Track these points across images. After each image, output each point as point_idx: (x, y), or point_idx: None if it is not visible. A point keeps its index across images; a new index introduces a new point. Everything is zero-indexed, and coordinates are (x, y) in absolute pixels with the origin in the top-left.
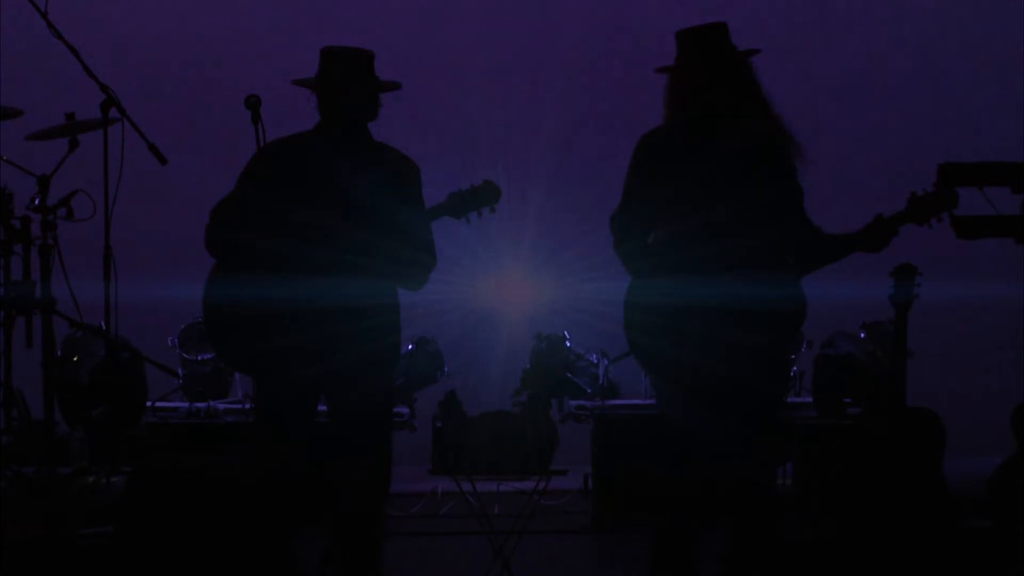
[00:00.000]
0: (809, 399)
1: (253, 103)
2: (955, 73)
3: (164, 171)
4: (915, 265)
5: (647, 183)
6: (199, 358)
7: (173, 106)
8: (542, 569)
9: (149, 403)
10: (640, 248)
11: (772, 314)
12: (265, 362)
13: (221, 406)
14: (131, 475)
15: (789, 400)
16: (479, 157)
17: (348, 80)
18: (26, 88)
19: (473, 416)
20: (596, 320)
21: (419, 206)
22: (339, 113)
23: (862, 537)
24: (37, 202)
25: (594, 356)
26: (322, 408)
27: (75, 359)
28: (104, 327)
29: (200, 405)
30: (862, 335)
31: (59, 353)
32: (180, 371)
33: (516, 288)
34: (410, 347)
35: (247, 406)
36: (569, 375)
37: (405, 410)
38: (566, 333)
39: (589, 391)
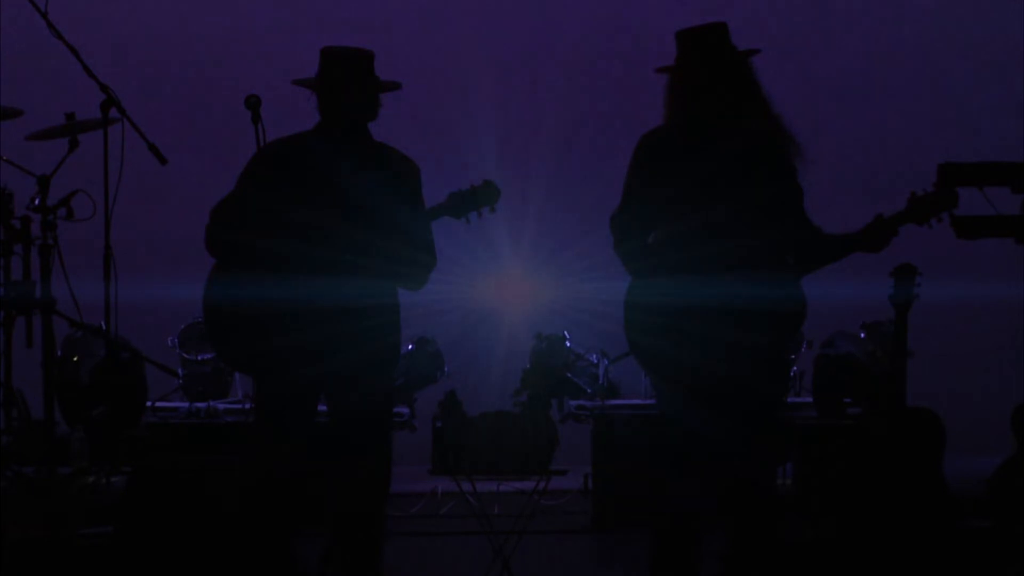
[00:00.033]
0: (809, 399)
1: (253, 103)
2: (955, 73)
3: (164, 171)
4: (915, 265)
5: (647, 183)
6: (199, 358)
7: (173, 106)
8: (542, 569)
9: (149, 403)
10: (640, 248)
11: (772, 314)
12: (265, 362)
13: (221, 406)
14: (131, 475)
15: (789, 400)
16: (479, 157)
17: (348, 80)
18: (26, 88)
19: (473, 416)
20: (596, 320)
21: (419, 206)
22: (339, 113)
23: (862, 537)
24: (37, 202)
25: (594, 356)
26: (322, 408)
27: (75, 359)
28: (104, 327)
29: (200, 405)
30: (862, 335)
31: (59, 353)
32: (180, 371)
33: (516, 288)
34: (410, 347)
35: (247, 406)
36: (569, 375)
37: (405, 410)
38: (566, 333)
39: (589, 391)
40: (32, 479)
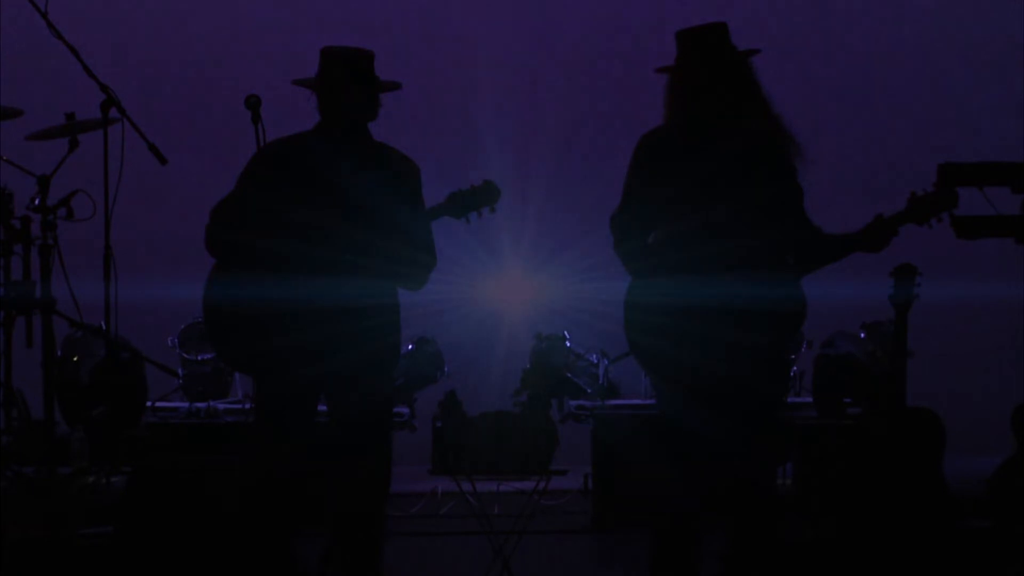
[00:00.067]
0: (809, 399)
1: (253, 103)
2: (955, 73)
3: (164, 171)
4: (915, 265)
5: (647, 183)
6: (199, 358)
7: (173, 106)
8: (542, 569)
9: (149, 403)
10: (640, 248)
11: (772, 314)
12: (265, 362)
13: (221, 406)
14: (131, 475)
15: (789, 400)
16: (479, 157)
17: (348, 80)
18: (26, 88)
19: (473, 416)
20: (596, 320)
21: (419, 206)
22: (339, 113)
23: (862, 537)
24: (37, 202)
25: (594, 356)
26: (322, 408)
27: (75, 359)
28: (104, 327)
29: (200, 405)
30: (862, 335)
31: (59, 353)
32: (180, 371)
33: (516, 288)
34: (410, 347)
35: (247, 406)
36: (569, 375)
37: (405, 410)
38: (566, 333)
39: (589, 391)
40: (32, 479)
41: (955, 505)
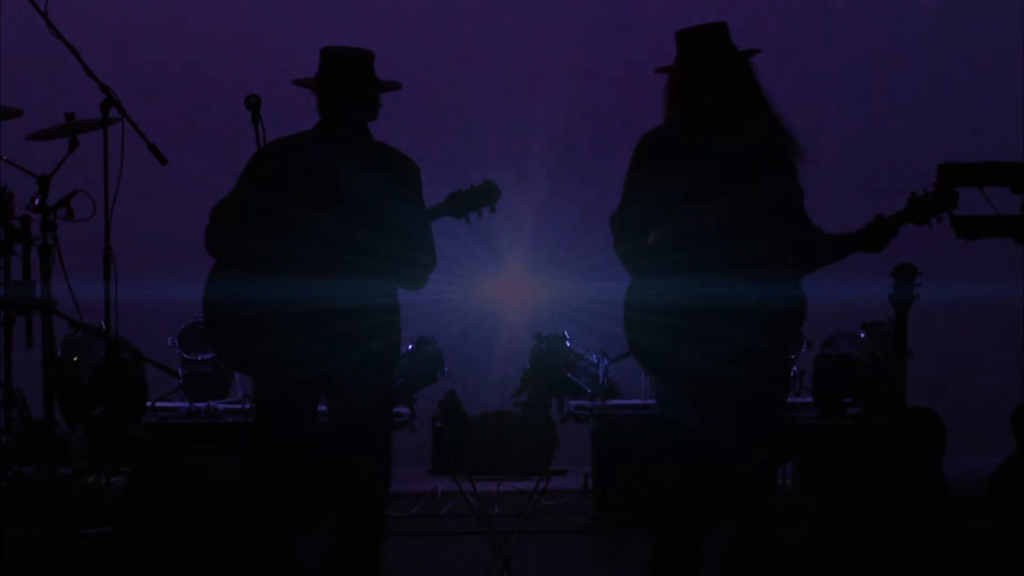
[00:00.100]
0: (809, 399)
1: (253, 103)
2: (955, 73)
3: (164, 171)
4: (915, 265)
5: (647, 183)
6: (199, 358)
7: (173, 106)
8: (542, 569)
9: (149, 403)
10: (640, 248)
11: (772, 314)
12: (265, 362)
13: (221, 406)
14: (131, 475)
15: (789, 400)
16: (479, 157)
17: (348, 80)
18: (26, 88)
19: (473, 416)
20: (596, 320)
21: (419, 206)
22: (339, 113)
23: (862, 537)
24: (37, 202)
25: (594, 356)
26: (322, 408)
27: (75, 359)
28: (104, 327)
29: (200, 405)
30: (862, 335)
31: (59, 353)
32: (180, 371)
33: (516, 288)
34: (410, 347)
35: (247, 406)
36: (569, 375)
37: (405, 410)
38: (566, 333)
39: (589, 391)
40: (32, 479)
41: (955, 505)
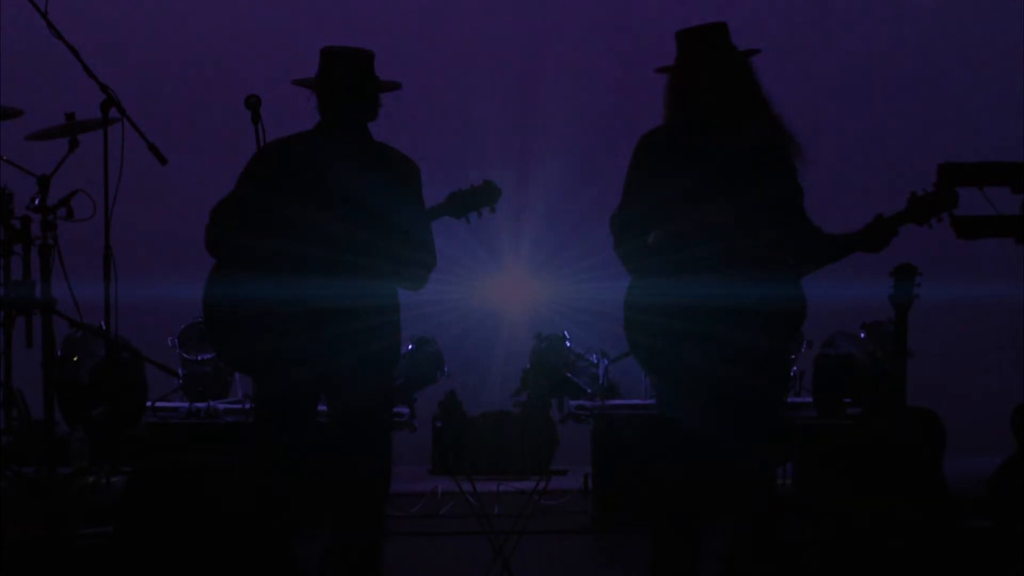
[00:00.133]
0: (809, 399)
1: (253, 103)
2: (955, 73)
3: (164, 171)
4: (915, 265)
5: (647, 183)
6: (199, 358)
7: (173, 106)
8: (542, 569)
9: (149, 403)
10: (640, 248)
11: (772, 314)
12: (265, 362)
13: (221, 406)
14: (131, 475)
15: (789, 400)
16: (479, 157)
17: (348, 80)
18: (26, 88)
19: (473, 416)
20: (596, 320)
21: (419, 206)
22: (339, 113)
23: (862, 537)
24: (37, 202)
25: (594, 356)
26: (322, 408)
27: (75, 359)
28: (104, 327)
29: (200, 405)
30: (862, 335)
31: (59, 353)
32: (180, 371)
33: (516, 288)
34: (410, 347)
35: (247, 406)
36: (569, 375)
37: (405, 410)
38: (566, 333)
39: (589, 391)
40: (32, 479)
41: (955, 505)
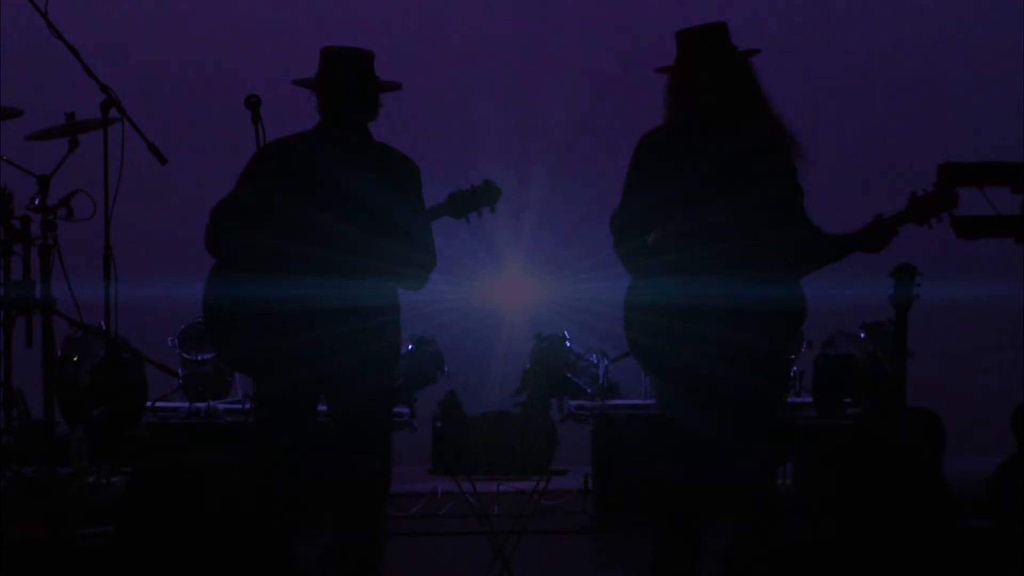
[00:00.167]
0: (809, 399)
1: (253, 103)
2: (955, 73)
3: (164, 171)
4: (915, 265)
5: (647, 183)
6: (199, 358)
7: (173, 106)
8: (542, 569)
9: (149, 403)
10: (640, 248)
11: (772, 314)
12: (265, 362)
13: (221, 406)
14: (131, 475)
15: (789, 400)
16: (479, 157)
17: (348, 80)
18: (26, 88)
19: (473, 416)
20: (596, 320)
21: (419, 206)
22: (339, 113)
23: (862, 537)
24: (37, 202)
25: (594, 356)
26: (322, 408)
27: (75, 359)
28: (104, 327)
29: (200, 405)
30: (862, 335)
31: (59, 353)
32: (180, 371)
33: (516, 288)
34: (410, 347)
35: (247, 406)
36: (569, 375)
37: (405, 410)
38: (566, 333)
39: (589, 391)
40: (32, 479)
41: (955, 505)
